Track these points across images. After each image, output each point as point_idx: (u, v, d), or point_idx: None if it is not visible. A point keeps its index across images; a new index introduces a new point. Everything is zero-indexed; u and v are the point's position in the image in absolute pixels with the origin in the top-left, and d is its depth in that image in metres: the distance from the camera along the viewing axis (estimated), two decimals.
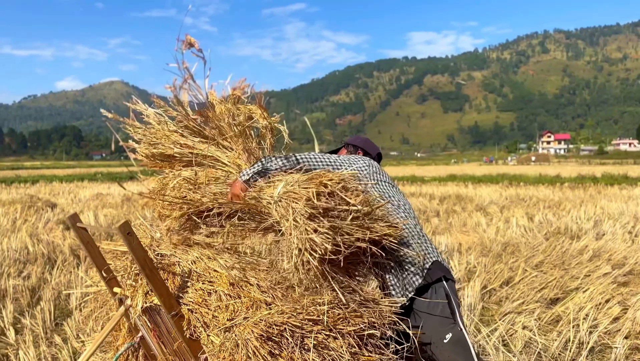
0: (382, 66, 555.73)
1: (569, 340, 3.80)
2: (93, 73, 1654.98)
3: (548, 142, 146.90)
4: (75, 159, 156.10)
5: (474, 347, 2.29)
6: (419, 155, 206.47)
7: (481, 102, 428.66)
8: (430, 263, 2.28)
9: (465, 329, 2.27)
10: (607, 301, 4.69)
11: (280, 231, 2.05)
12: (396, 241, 2.13)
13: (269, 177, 2.15)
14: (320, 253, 1.84)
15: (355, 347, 1.97)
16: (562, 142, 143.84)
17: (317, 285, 1.99)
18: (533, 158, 67.93)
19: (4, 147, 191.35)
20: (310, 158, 2.27)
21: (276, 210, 1.96)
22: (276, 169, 2.18)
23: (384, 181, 2.43)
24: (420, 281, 2.24)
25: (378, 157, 2.77)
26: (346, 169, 2.28)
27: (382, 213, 2.13)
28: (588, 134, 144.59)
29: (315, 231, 1.84)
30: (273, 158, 2.22)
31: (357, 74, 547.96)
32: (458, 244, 7.65)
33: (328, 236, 1.84)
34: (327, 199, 1.91)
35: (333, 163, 2.31)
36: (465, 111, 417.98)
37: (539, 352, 3.72)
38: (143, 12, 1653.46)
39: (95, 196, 16.47)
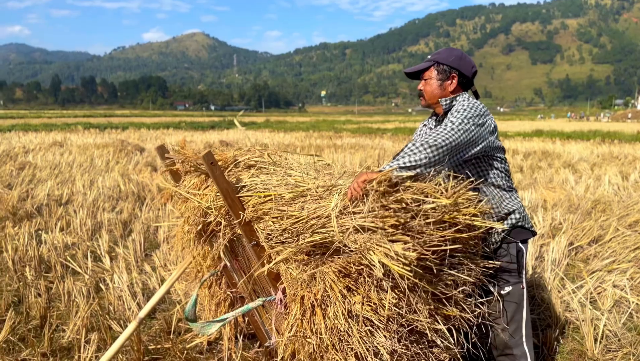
0: (466, 14, 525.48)
1: None
2: (176, 24, 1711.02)
3: None
4: (161, 108, 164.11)
5: (528, 311, 2.23)
6: (502, 110, 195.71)
7: (574, 53, 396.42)
8: (510, 226, 2.20)
9: (526, 291, 2.22)
10: None
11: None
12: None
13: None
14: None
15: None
16: None
17: None
18: (630, 115, 62.17)
19: (97, 96, 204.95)
20: (452, 136, 1.96)
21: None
22: (426, 165, 1.85)
23: (496, 135, 2.25)
24: (498, 242, 2.20)
25: (473, 76, 2.31)
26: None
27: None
28: None
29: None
30: (411, 152, 1.85)
31: (439, 22, 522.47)
32: (543, 201, 7.26)
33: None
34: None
35: (471, 134, 2.06)
36: (556, 62, 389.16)
37: (630, 313, 3.48)
38: None
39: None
